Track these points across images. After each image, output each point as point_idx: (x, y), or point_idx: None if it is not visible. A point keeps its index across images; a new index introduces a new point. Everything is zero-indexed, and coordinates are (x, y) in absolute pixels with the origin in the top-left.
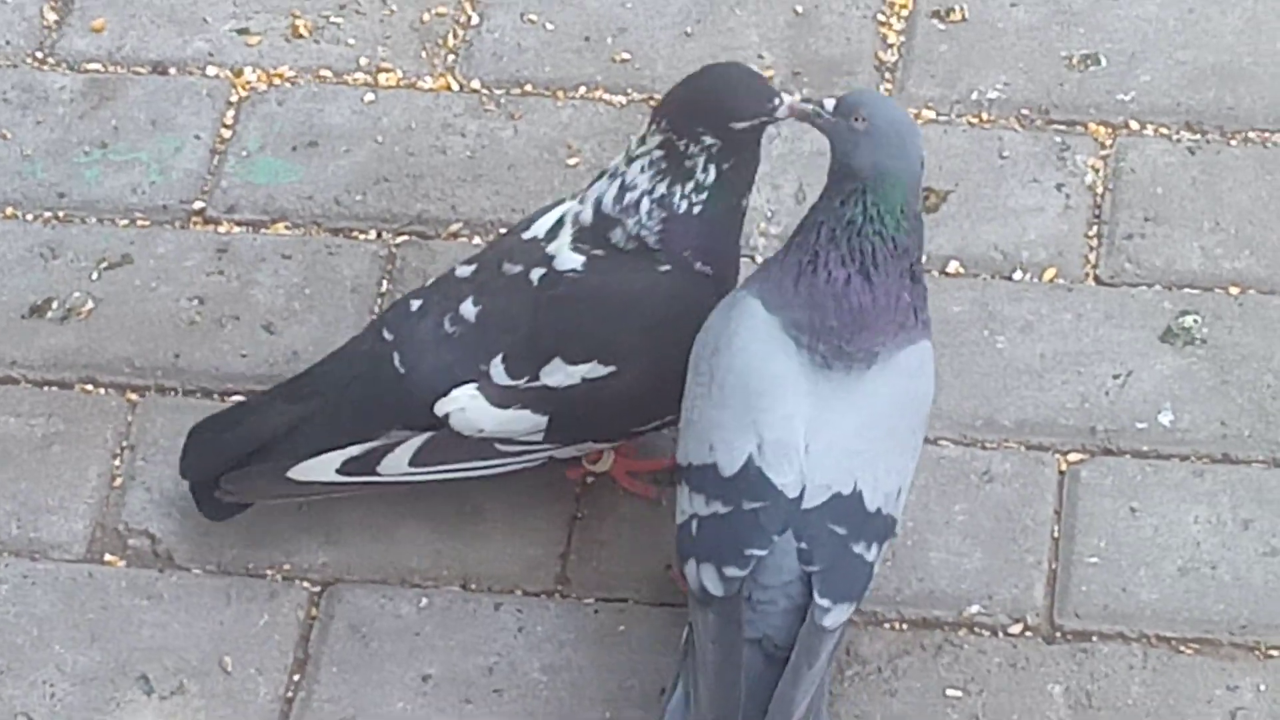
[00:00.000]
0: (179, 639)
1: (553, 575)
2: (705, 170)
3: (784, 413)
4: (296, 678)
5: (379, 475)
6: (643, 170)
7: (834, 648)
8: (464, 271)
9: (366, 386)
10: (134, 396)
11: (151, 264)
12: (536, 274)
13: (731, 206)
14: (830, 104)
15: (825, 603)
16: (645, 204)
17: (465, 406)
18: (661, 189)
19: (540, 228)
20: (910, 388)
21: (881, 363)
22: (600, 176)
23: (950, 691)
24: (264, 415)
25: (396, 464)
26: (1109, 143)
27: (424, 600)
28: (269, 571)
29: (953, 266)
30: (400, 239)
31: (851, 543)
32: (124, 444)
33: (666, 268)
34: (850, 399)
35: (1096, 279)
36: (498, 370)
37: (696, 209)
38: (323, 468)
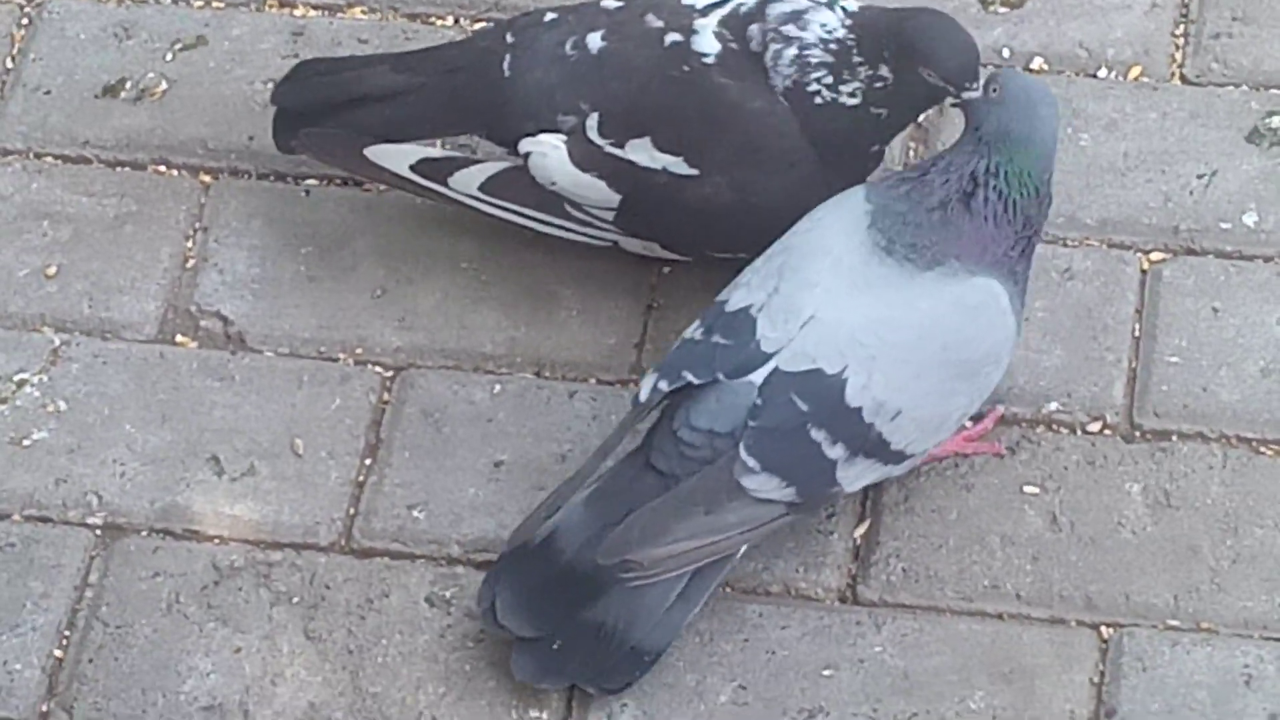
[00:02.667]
0: (250, 421)
1: (627, 364)
2: (852, 94)
3: (809, 278)
4: (368, 462)
5: (448, 187)
6: (810, 28)
7: (749, 524)
8: (610, 4)
9: (469, 79)
10: (207, 179)
11: (226, 46)
12: (671, 39)
13: (852, 140)
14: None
15: (751, 461)
16: (791, 53)
17: (547, 154)
18: (811, 59)
19: None
20: (956, 319)
21: (941, 275)
22: None
23: (1027, 488)
24: (368, 74)
25: (467, 182)
26: None
27: (497, 387)
28: (341, 355)
29: (1037, 63)
30: (477, 25)
31: (812, 425)
32: (197, 225)
33: (784, 101)
34: (887, 295)
35: (1183, 78)
36: (591, 124)
37: (817, 101)
38: (399, 157)
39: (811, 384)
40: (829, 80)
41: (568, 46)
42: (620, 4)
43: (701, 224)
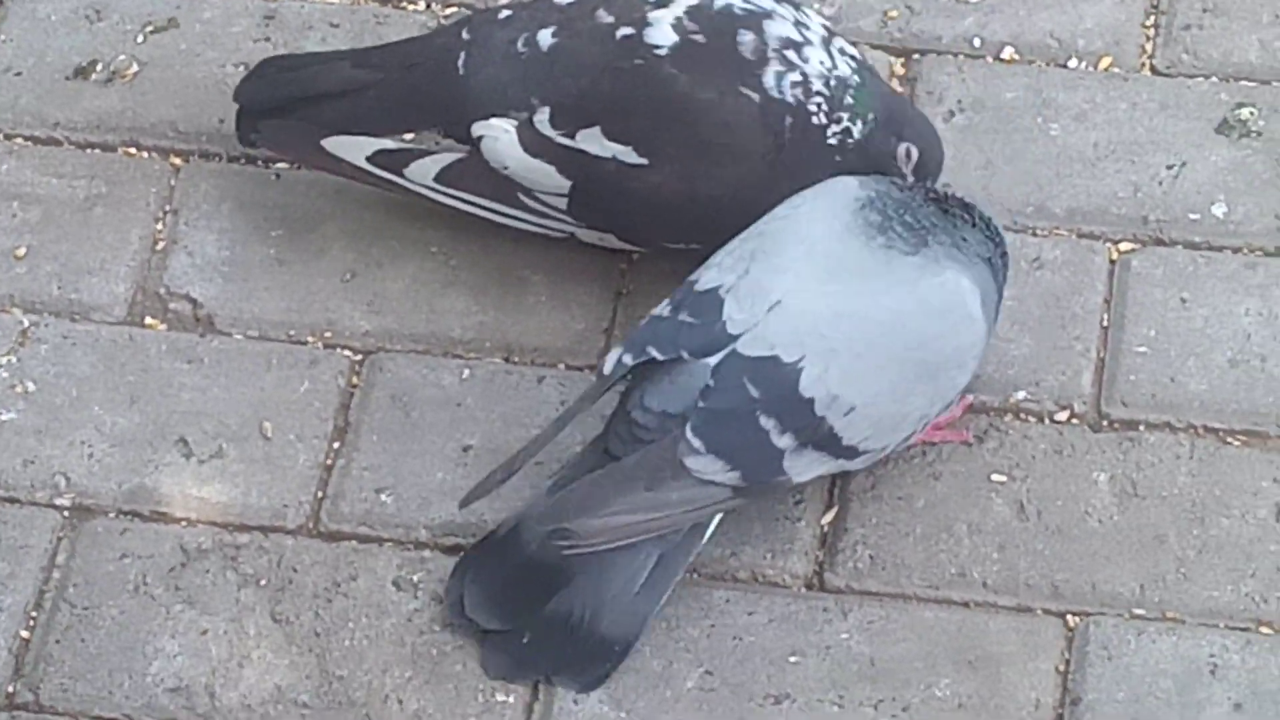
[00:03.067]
0: (219, 403)
1: (596, 350)
2: (833, 130)
3: (781, 263)
4: (336, 445)
5: (404, 178)
6: (810, 63)
7: (690, 504)
8: (561, 1)
9: (425, 76)
10: (177, 161)
11: (198, 29)
12: (623, 32)
13: (856, 153)
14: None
15: (696, 442)
16: (793, 77)
17: (498, 137)
18: (821, 95)
19: None
20: (921, 318)
21: (920, 265)
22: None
23: (995, 476)
24: (328, 70)
25: (423, 173)
26: None
27: (466, 371)
28: (310, 338)
29: (1007, 53)
30: (449, 10)
31: (761, 412)
32: (167, 208)
33: (756, 97)
34: (856, 285)
35: (1153, 69)
36: (542, 117)
37: (814, 121)
38: (355, 149)
39: (766, 370)
40: (840, 132)
41: (519, 44)
42: (572, 0)
43: (651, 213)
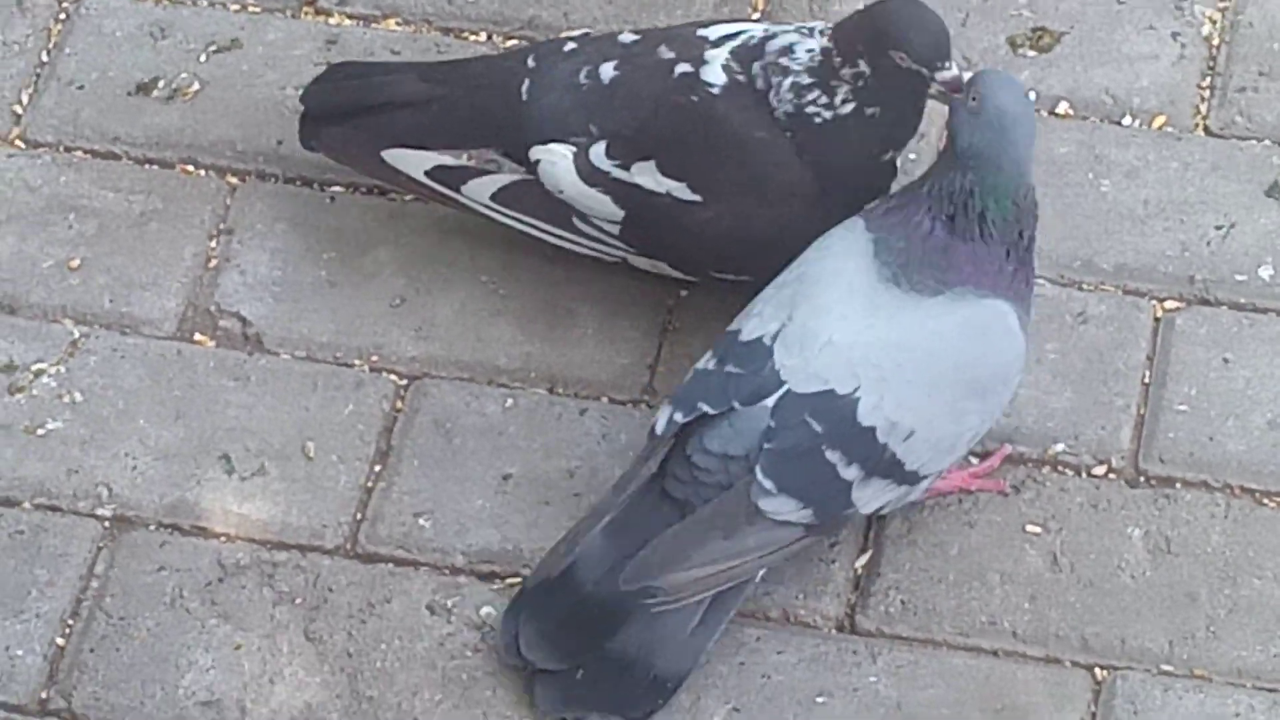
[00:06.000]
0: (263, 422)
1: (640, 385)
2: (844, 102)
3: (823, 304)
4: (377, 468)
5: (461, 194)
6: (798, 56)
7: (767, 547)
8: (626, 38)
9: (489, 97)
10: (234, 180)
11: (260, 50)
12: (681, 69)
13: (862, 151)
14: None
15: (768, 483)
16: (788, 83)
17: (555, 162)
18: (803, 83)
19: (715, 31)
20: (964, 339)
21: (949, 300)
22: (792, 28)
23: (1030, 527)
24: (395, 80)
25: (480, 191)
26: None
27: (509, 400)
28: (357, 361)
29: (1062, 108)
30: (510, 43)
31: (826, 446)
32: (221, 226)
33: (787, 135)
34: (898, 317)
35: (1206, 130)
36: (598, 150)
37: (817, 121)
38: (416, 162)
39: (824, 404)
40: (824, 100)
41: (582, 75)
42: (637, 37)
43: (703, 246)
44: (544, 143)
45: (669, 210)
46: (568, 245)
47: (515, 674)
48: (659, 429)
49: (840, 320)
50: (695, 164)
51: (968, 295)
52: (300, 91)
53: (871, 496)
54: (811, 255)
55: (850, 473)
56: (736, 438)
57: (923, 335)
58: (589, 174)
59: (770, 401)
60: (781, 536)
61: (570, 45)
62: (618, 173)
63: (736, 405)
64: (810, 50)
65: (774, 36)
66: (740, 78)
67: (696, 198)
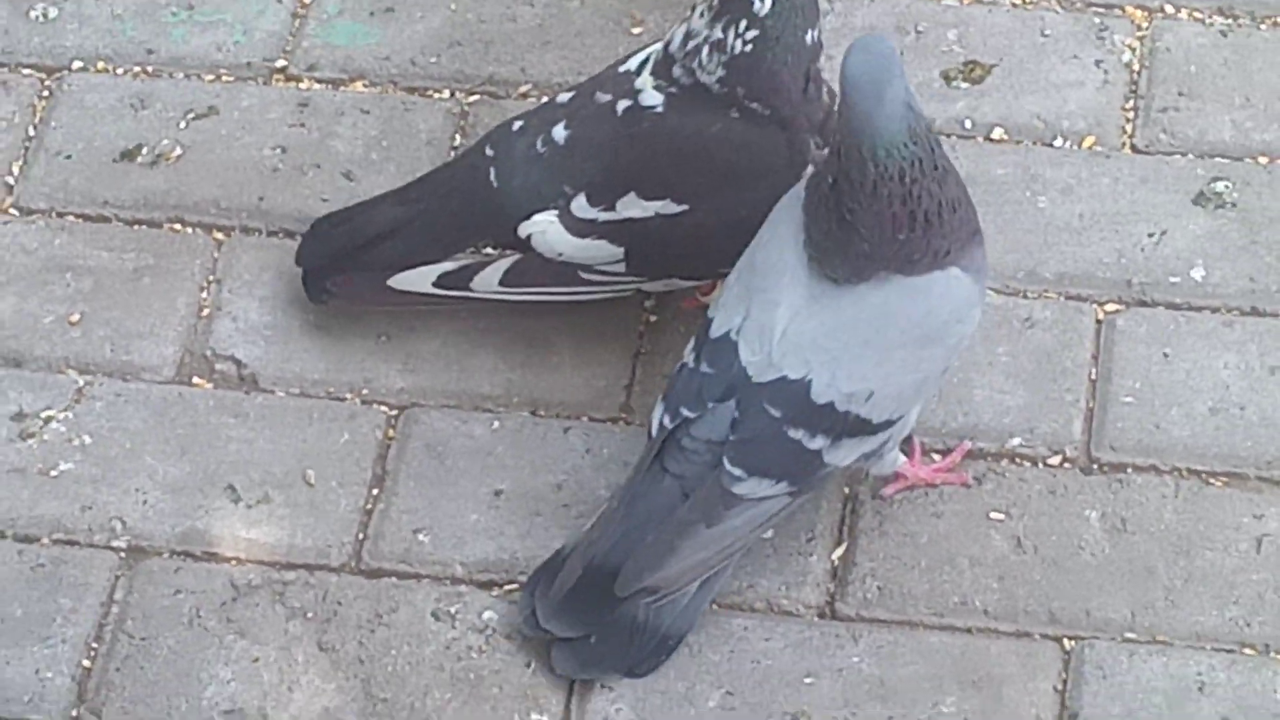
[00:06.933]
0: (264, 454)
1: (617, 404)
2: (752, 29)
3: (774, 297)
4: (375, 491)
5: (472, 291)
6: (702, 15)
7: (756, 521)
8: (564, 98)
9: (464, 198)
10: (220, 235)
11: (236, 115)
12: (622, 105)
13: (788, 43)
14: None
15: (737, 471)
16: (705, 50)
17: (545, 230)
18: (718, 32)
19: (634, 61)
20: (907, 302)
21: (877, 282)
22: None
23: (993, 514)
24: (373, 215)
25: (488, 281)
26: (1145, 25)
27: (496, 423)
28: (348, 395)
29: (997, 133)
30: (472, 98)
31: (787, 426)
32: (210, 278)
33: (735, 114)
34: (836, 302)
35: (1133, 147)
36: (579, 203)
37: (748, 47)
38: (421, 279)
39: (779, 390)
40: (742, 37)
41: (539, 144)
42: (572, 93)
43: (704, 250)
44: (528, 217)
45: (663, 229)
46: (584, 299)
47: (519, 670)
48: (652, 431)
49: (789, 312)
50: (670, 179)
51: (899, 277)
52: (278, 153)
53: (845, 453)
54: (764, 235)
55: (817, 443)
56: (716, 426)
57: (867, 308)
58: (579, 228)
59: (734, 398)
60: (767, 509)
61: (518, 124)
62: (605, 216)
63: (711, 405)
64: (701, 14)
65: (671, 39)
66: (672, 89)
67: (683, 207)
